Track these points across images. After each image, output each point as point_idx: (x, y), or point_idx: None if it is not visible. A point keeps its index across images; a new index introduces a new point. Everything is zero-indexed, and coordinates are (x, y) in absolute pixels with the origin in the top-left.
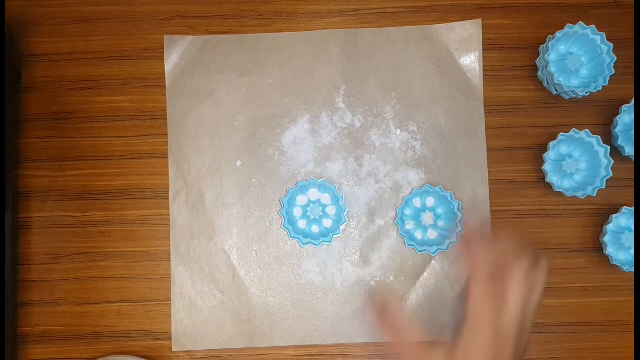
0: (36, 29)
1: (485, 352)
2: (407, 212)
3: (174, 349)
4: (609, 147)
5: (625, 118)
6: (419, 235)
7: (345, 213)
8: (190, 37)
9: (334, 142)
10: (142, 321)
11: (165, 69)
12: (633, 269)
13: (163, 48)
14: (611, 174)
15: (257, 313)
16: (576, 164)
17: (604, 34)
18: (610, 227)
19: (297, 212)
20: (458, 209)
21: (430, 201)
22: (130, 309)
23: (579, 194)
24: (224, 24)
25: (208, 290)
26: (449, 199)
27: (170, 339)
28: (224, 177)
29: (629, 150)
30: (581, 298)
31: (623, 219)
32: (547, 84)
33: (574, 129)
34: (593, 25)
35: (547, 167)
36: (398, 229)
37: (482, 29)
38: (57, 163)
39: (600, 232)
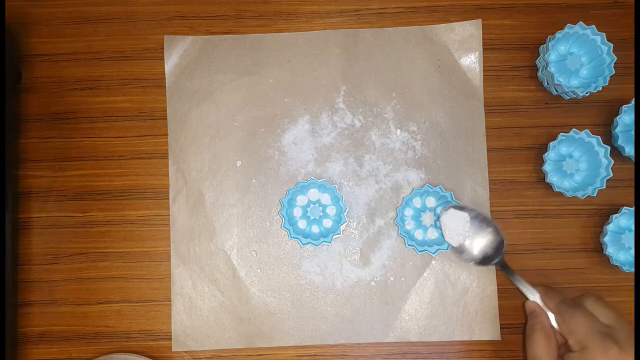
0: (36, 29)
1: None
2: (407, 212)
3: (174, 349)
4: (609, 148)
5: (625, 118)
6: (419, 235)
7: (345, 213)
8: (190, 38)
9: (334, 142)
10: (142, 321)
11: (165, 69)
12: (633, 269)
13: (163, 48)
14: (611, 174)
15: (257, 313)
16: (576, 164)
17: (604, 34)
18: (610, 227)
19: (297, 212)
20: None
21: (430, 201)
22: (130, 309)
23: (579, 194)
24: (224, 24)
25: (208, 291)
26: (449, 199)
27: (170, 339)
28: (224, 177)
29: (629, 150)
30: None
31: (623, 219)
32: (547, 84)
33: (574, 129)
34: (593, 26)
35: (547, 167)
36: (398, 229)
37: (482, 29)
38: (57, 163)
39: (600, 232)
